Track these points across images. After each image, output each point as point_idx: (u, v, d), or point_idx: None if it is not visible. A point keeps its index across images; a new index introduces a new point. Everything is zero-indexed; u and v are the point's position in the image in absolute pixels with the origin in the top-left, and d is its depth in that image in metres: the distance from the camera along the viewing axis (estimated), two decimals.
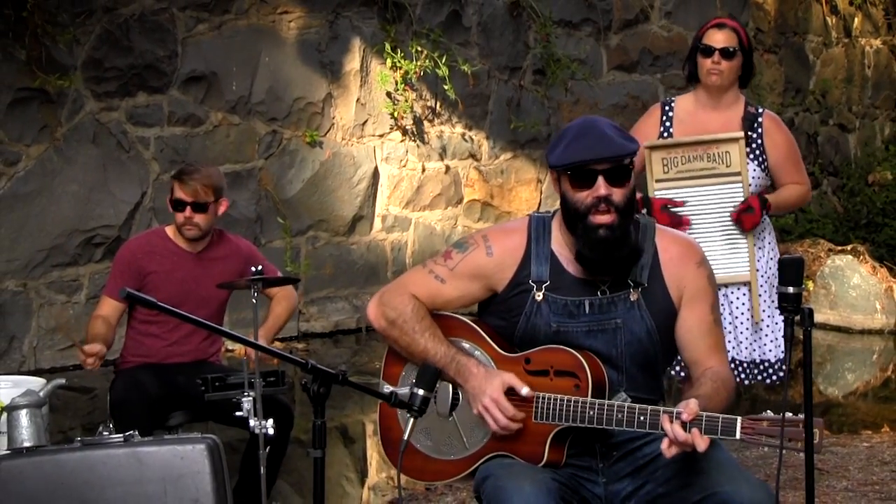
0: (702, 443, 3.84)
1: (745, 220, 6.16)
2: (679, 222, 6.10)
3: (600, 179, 4.06)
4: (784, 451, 3.86)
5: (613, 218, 4.06)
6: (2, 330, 9.09)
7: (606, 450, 4.19)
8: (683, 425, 3.85)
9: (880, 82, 15.70)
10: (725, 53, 6.25)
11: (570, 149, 4.10)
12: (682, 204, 6.19)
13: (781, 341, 6.25)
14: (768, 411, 3.92)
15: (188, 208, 6.29)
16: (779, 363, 6.28)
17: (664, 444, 3.89)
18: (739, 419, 3.86)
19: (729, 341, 6.17)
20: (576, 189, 4.09)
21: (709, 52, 6.27)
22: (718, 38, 6.28)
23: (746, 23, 13.81)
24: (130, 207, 9.65)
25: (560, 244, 4.24)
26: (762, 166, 6.26)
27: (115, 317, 6.35)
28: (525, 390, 4.11)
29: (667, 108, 6.44)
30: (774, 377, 6.30)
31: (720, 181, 6.22)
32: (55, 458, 4.76)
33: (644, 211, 6.03)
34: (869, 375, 10.86)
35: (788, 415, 3.84)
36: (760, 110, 6.37)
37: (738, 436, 3.85)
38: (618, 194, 4.08)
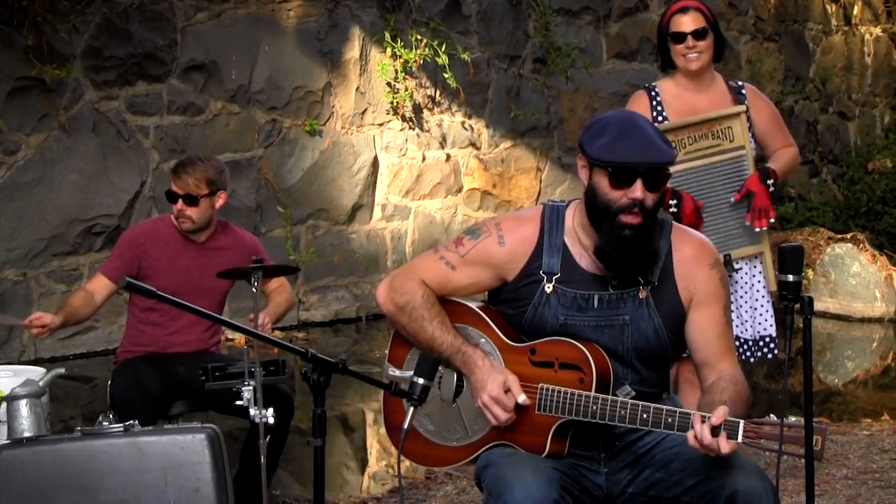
0: (726, 447, 3.83)
1: (757, 203, 6.15)
2: (701, 223, 6.10)
3: (639, 182, 4.02)
4: (784, 454, 3.86)
5: (640, 220, 4.04)
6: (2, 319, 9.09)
7: (609, 440, 4.19)
8: (712, 429, 3.83)
9: (880, 70, 15.68)
10: (698, 35, 6.23)
11: (616, 147, 4.03)
12: (703, 205, 6.18)
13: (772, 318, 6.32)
14: (771, 415, 3.91)
15: (180, 201, 6.30)
16: (771, 338, 6.33)
17: (690, 435, 3.87)
18: (742, 423, 3.83)
19: (745, 320, 6.21)
20: (613, 187, 4.03)
21: (680, 37, 6.24)
22: (686, 22, 6.25)
23: (746, 10, 13.82)
24: (130, 196, 9.66)
25: (572, 236, 4.22)
26: (753, 137, 6.29)
27: (101, 294, 6.35)
28: (522, 398, 4.10)
29: (653, 92, 6.40)
30: (776, 350, 6.33)
31: (727, 157, 6.23)
32: (55, 448, 4.77)
33: (673, 202, 6.01)
34: (869, 364, 10.86)
35: (791, 419, 3.83)
36: (740, 83, 6.44)
37: (739, 439, 3.83)
38: (651, 199, 4.04)
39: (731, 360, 4.24)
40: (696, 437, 3.85)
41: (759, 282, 6.31)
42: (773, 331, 6.33)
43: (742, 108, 6.23)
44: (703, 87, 6.33)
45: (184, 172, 6.32)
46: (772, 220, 6.22)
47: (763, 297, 6.32)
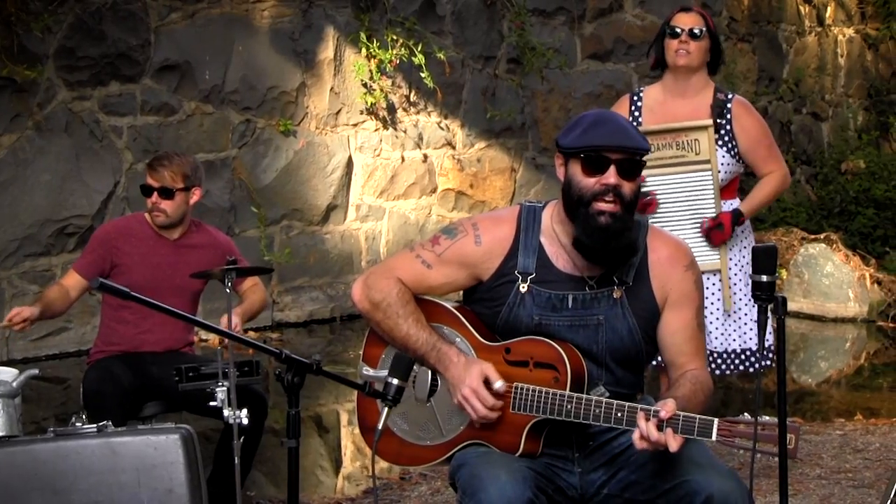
0: (674, 443, 3.84)
1: (714, 236, 6.17)
2: (647, 204, 6.10)
3: (612, 168, 4.04)
4: (758, 452, 3.87)
5: (617, 208, 4.05)
6: None
7: (583, 440, 4.19)
8: (659, 424, 3.85)
9: (853, 71, 15.74)
10: (692, 34, 6.26)
11: (588, 134, 4.07)
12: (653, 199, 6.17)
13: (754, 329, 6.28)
14: (745, 414, 3.92)
15: (155, 194, 6.31)
16: (761, 351, 6.29)
17: (635, 436, 3.89)
18: (716, 421, 3.85)
19: (711, 330, 6.18)
20: (586, 174, 4.06)
21: (676, 33, 6.28)
22: (686, 20, 6.30)
23: (720, 11, 13.85)
24: (103, 197, 9.62)
25: (549, 236, 4.23)
26: (732, 153, 6.25)
27: (75, 289, 6.33)
28: (499, 384, 4.10)
29: (635, 98, 6.43)
30: (757, 365, 6.29)
31: (690, 169, 6.22)
32: (28, 449, 4.75)
33: None
34: (842, 364, 10.90)
35: (765, 418, 3.84)
36: (730, 96, 6.36)
37: (714, 437, 3.85)
38: (626, 187, 4.06)
39: (699, 362, 4.26)
40: (641, 434, 3.87)
41: (712, 303, 6.27)
42: (752, 344, 6.29)
43: (708, 121, 6.20)
44: (688, 95, 6.33)
45: (160, 165, 6.32)
46: (730, 250, 6.25)
47: (719, 316, 6.28)
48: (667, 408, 3.86)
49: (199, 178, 6.44)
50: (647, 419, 3.87)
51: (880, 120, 15.81)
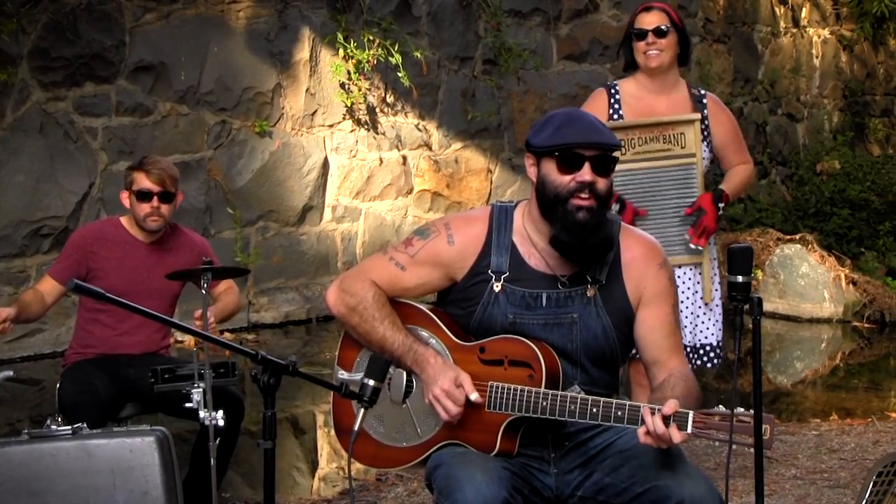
0: (678, 436, 3.84)
1: (704, 223, 6.15)
2: (635, 211, 6.10)
3: (587, 165, 4.05)
4: (734, 444, 3.87)
5: (593, 203, 4.06)
6: None
7: (559, 440, 4.19)
8: (664, 420, 3.84)
9: (828, 72, 15.80)
10: (658, 32, 6.28)
11: (561, 132, 4.08)
12: (645, 213, 6.17)
13: (720, 325, 6.30)
14: (720, 406, 3.93)
15: (155, 198, 6.20)
16: (719, 347, 6.31)
17: (641, 430, 3.88)
18: (691, 413, 3.85)
19: (684, 326, 6.18)
20: (561, 172, 4.07)
21: (642, 35, 6.31)
22: (649, 20, 6.32)
23: (696, 12, 13.89)
24: (78, 198, 9.59)
25: (521, 235, 4.24)
26: (709, 147, 6.30)
27: (51, 295, 6.25)
28: (474, 396, 4.10)
29: (612, 90, 6.44)
30: (716, 360, 6.32)
31: (675, 163, 6.23)
32: (2, 451, 4.73)
33: (616, 206, 6.01)
34: (817, 364, 10.93)
35: (740, 410, 3.85)
36: (703, 91, 6.45)
37: (689, 430, 3.85)
38: (601, 183, 4.08)
39: (680, 359, 4.26)
40: (647, 430, 3.86)
41: (689, 297, 6.29)
42: (713, 339, 6.32)
43: (697, 115, 6.24)
44: (664, 90, 6.35)
45: (156, 169, 6.21)
46: (710, 244, 6.24)
47: (702, 306, 6.31)
48: (669, 405, 3.86)
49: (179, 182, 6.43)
50: (652, 414, 3.86)
51: (855, 121, 15.88)
